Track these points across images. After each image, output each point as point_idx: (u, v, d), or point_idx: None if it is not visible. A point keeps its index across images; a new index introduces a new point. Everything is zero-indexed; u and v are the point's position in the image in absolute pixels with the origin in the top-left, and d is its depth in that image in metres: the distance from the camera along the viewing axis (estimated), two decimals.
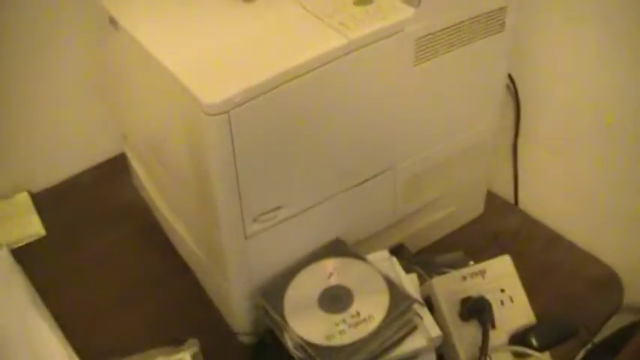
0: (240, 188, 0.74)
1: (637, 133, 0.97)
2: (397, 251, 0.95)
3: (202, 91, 0.68)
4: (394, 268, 0.85)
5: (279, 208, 0.80)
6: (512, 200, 1.18)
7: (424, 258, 0.98)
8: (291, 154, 0.77)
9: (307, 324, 0.78)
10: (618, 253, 1.06)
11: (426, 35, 0.80)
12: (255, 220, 0.79)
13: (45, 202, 1.20)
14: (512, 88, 1.08)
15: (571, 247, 1.09)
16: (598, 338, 0.94)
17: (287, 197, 0.80)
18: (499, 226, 1.12)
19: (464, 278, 0.86)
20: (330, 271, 0.84)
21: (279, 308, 0.81)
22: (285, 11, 0.78)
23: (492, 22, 0.87)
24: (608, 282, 1.04)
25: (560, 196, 1.13)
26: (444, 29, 0.81)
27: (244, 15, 0.79)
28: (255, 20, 0.78)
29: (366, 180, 0.88)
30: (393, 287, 0.81)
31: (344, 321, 0.78)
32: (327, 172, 0.83)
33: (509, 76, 1.04)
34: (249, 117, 0.69)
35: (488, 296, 0.83)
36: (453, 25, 0.82)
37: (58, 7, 1.10)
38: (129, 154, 1.15)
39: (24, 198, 1.19)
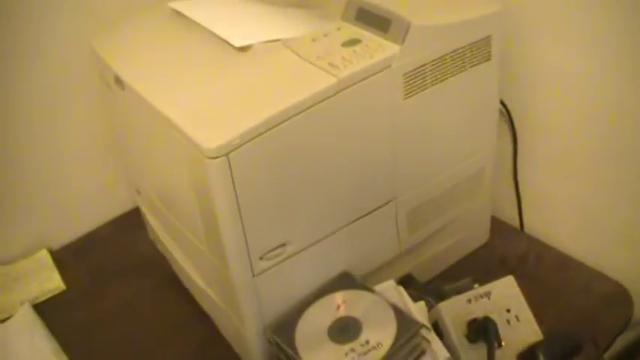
0: (244, 227, 0.77)
1: (637, 146, 0.99)
2: (406, 282, 0.98)
3: (203, 137, 0.72)
4: (401, 296, 0.87)
5: (284, 245, 0.83)
6: (517, 225, 1.20)
7: (433, 287, 1.00)
8: (291, 191, 0.80)
9: (318, 355, 0.80)
10: (627, 269, 1.07)
11: (413, 70, 0.83)
12: (261, 258, 0.81)
13: (64, 257, 1.24)
14: (506, 113, 1.11)
15: (579, 267, 1.11)
16: (607, 354, 0.95)
17: (291, 234, 0.83)
18: (506, 252, 1.14)
19: (469, 301, 0.88)
20: (339, 304, 0.86)
21: (291, 342, 0.83)
22: (277, 57, 0.83)
23: (478, 51, 0.90)
24: (618, 298, 1.05)
25: (565, 217, 1.14)
26: (429, 63, 0.85)
27: (240, 63, 0.83)
28: (249, 68, 0.82)
29: (368, 213, 0.91)
30: (400, 314, 0.83)
31: (353, 350, 0.79)
32: (329, 207, 0.86)
33: (501, 102, 1.07)
34: (247, 158, 0.73)
35: (494, 316, 0.85)
36: (439, 58, 0.86)
37: (69, 70, 1.16)
38: (143, 208, 1.19)
39: (44, 255, 1.23)
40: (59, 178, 1.24)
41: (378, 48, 0.81)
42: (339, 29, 0.86)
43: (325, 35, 0.85)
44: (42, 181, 1.22)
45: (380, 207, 0.92)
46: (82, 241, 1.29)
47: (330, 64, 0.78)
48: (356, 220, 0.90)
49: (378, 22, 0.83)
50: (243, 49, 0.84)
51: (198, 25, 0.91)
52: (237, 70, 0.83)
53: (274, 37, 0.86)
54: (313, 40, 0.84)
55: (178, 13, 0.96)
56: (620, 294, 1.05)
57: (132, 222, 1.28)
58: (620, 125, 0.99)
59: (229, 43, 0.85)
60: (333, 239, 0.88)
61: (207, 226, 0.82)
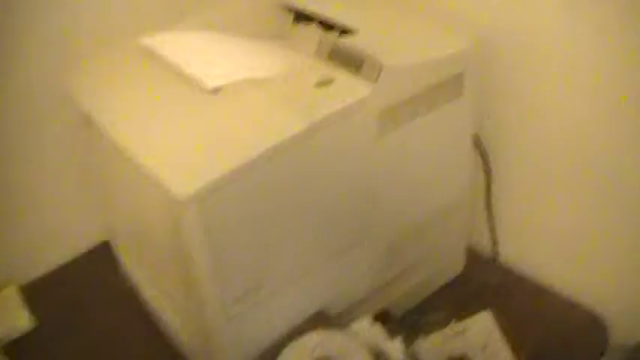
0: (218, 272, 0.76)
1: (610, 175, 0.99)
2: (382, 317, 0.97)
3: (175, 184, 0.71)
4: (378, 334, 0.87)
5: (258, 288, 0.82)
6: (492, 255, 1.20)
7: (410, 322, 0.99)
8: (265, 235, 0.79)
9: None
10: (601, 297, 1.07)
11: (387, 109, 0.83)
12: (235, 302, 0.80)
13: (34, 293, 1.21)
14: (478, 144, 1.11)
15: (554, 297, 1.11)
16: None
17: (265, 277, 0.82)
18: (481, 282, 1.14)
19: (446, 339, 0.87)
20: (314, 345, 0.85)
21: None
22: (249, 99, 0.81)
23: (451, 88, 0.90)
24: (594, 327, 1.05)
25: (539, 247, 1.15)
26: (403, 101, 0.84)
27: (211, 105, 0.82)
28: (221, 110, 0.81)
29: (344, 251, 0.90)
30: (376, 354, 0.82)
31: None
32: (304, 249, 0.85)
33: (475, 135, 1.07)
34: (220, 204, 0.72)
35: (471, 354, 0.85)
36: (412, 96, 0.85)
37: (40, 102, 1.14)
38: (114, 243, 1.17)
39: (12, 291, 1.20)
40: (27, 210, 1.21)
41: (351, 89, 0.80)
42: (311, 68, 0.86)
43: (298, 75, 0.85)
44: (10, 213, 1.19)
45: (356, 245, 0.91)
46: (51, 275, 1.26)
47: (303, 107, 0.78)
48: (332, 259, 0.89)
49: (351, 61, 0.83)
50: (215, 89, 0.83)
51: (169, 63, 0.90)
52: (208, 112, 0.81)
53: (247, 77, 0.85)
54: (286, 80, 0.84)
55: (150, 50, 0.95)
56: (595, 323, 1.06)
57: (102, 256, 1.25)
58: (595, 158, 1.00)
59: (201, 84, 0.84)
60: (308, 279, 0.87)
61: (179, 270, 0.81)
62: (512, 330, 0.92)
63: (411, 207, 0.97)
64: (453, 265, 1.14)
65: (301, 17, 1.04)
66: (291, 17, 1.06)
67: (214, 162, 0.72)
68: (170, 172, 0.73)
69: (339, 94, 0.79)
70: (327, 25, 0.97)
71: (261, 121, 0.78)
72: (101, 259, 1.25)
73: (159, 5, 1.17)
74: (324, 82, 0.82)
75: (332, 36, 0.96)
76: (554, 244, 1.12)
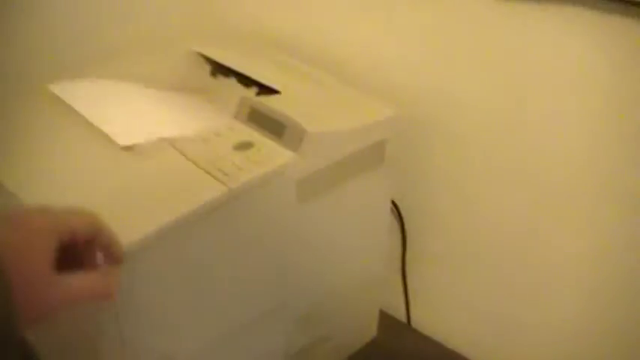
0: (125, 342, 0.71)
1: (522, 244, 1.00)
2: None
3: None
4: None
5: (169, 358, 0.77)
6: (404, 319, 1.19)
7: None
8: (178, 303, 0.75)
9: None
10: None
11: (307, 175, 0.81)
12: None
13: None
14: (396, 211, 1.10)
15: None
16: None
17: (176, 347, 0.77)
18: (393, 347, 1.12)
19: None
20: None
21: None
22: (165, 160, 0.78)
23: (372, 155, 0.89)
24: None
25: (452, 313, 1.15)
26: (324, 168, 0.83)
27: (124, 165, 0.78)
28: (135, 170, 0.77)
29: (261, 318, 0.87)
30: None
31: None
32: (219, 317, 0.81)
33: (392, 202, 1.07)
34: (130, 273, 0.67)
35: None
36: (334, 163, 0.84)
37: None
38: None
39: None
40: None
41: (272, 154, 0.78)
42: (231, 129, 0.83)
43: (216, 135, 0.82)
44: None
45: (272, 312, 0.88)
46: None
47: (221, 171, 0.75)
48: (248, 326, 0.85)
49: (272, 125, 0.81)
50: (128, 147, 0.79)
51: (79, 114, 0.85)
52: (121, 173, 0.77)
53: (162, 136, 0.81)
54: (203, 140, 0.81)
55: (59, 98, 0.90)
56: None
57: None
58: (509, 232, 1.01)
59: (112, 141, 0.79)
60: (223, 348, 0.83)
61: (86, 343, 0.76)
62: None
63: (329, 273, 0.95)
64: (367, 330, 1.12)
65: (219, 69, 1.01)
66: (208, 68, 1.04)
67: (125, 229, 0.68)
68: None
69: (259, 159, 0.77)
70: (247, 80, 0.95)
71: (176, 185, 0.74)
72: None
73: (70, 49, 1.12)
74: (244, 146, 0.79)
75: (252, 93, 0.94)
76: (467, 311, 1.12)
